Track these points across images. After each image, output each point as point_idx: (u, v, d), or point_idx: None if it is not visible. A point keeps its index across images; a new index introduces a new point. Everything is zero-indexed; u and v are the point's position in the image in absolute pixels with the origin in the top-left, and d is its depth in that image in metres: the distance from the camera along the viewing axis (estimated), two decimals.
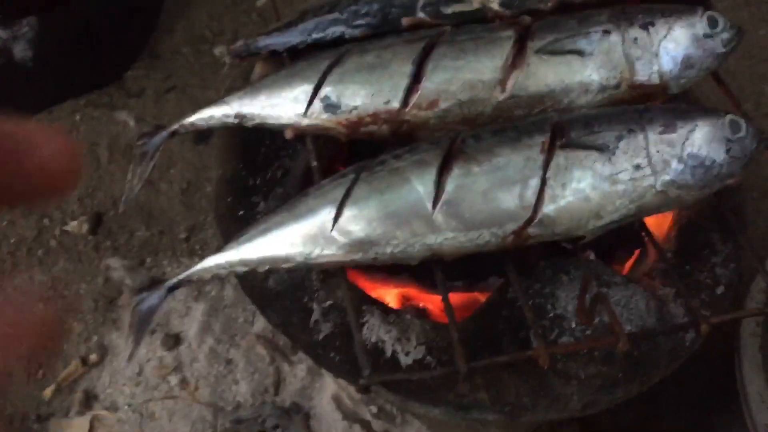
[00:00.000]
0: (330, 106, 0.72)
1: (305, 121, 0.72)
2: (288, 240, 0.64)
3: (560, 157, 0.62)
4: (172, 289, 0.67)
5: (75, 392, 1.20)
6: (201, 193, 1.43)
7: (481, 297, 0.86)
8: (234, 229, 0.85)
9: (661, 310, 0.75)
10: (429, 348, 0.75)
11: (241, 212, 0.85)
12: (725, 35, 0.75)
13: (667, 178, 0.64)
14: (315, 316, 0.78)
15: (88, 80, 1.57)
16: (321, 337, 0.77)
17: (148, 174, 0.76)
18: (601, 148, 0.63)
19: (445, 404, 0.71)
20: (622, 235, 0.88)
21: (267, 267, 0.66)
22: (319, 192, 0.66)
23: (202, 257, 0.70)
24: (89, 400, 1.19)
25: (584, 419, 1.17)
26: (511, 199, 0.62)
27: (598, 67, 0.72)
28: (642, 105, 0.69)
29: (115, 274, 1.30)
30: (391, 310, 0.79)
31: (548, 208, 0.62)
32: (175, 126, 0.75)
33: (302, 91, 0.72)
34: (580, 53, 0.72)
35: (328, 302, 0.78)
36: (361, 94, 0.71)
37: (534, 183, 0.62)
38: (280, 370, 1.19)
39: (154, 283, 0.67)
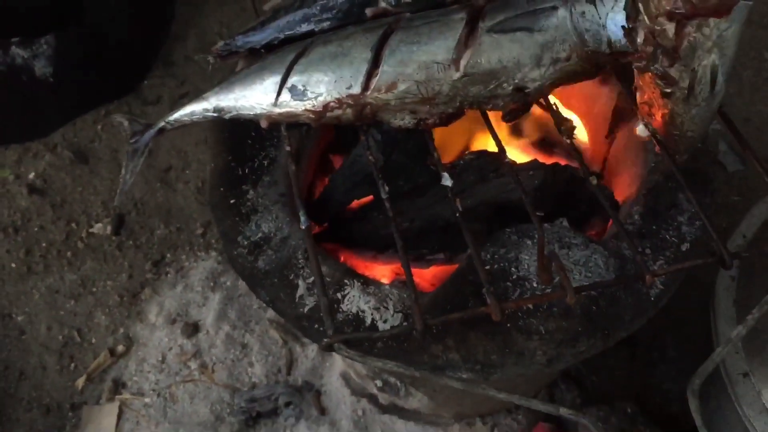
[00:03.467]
0: (297, 95, 0.77)
1: (276, 111, 0.78)
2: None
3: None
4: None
5: (104, 381, 1.29)
6: None
7: None
8: (227, 216, 0.92)
9: (621, 268, 0.79)
10: (405, 315, 0.80)
11: (233, 200, 0.92)
12: None
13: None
14: (300, 291, 0.84)
15: (107, 92, 1.66)
16: (306, 310, 0.82)
17: (138, 168, 0.82)
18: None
19: (419, 365, 0.76)
20: (595, 203, 0.92)
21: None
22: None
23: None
24: (118, 387, 1.27)
25: (583, 382, 1.21)
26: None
27: (547, 41, 0.76)
28: None
29: None
30: (372, 281, 0.84)
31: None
32: (161, 123, 0.82)
33: (272, 82, 0.78)
34: (529, 30, 0.76)
35: (312, 278, 0.84)
36: (324, 82, 0.76)
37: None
38: (292, 352, 1.26)
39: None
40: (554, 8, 0.77)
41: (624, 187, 0.97)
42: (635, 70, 0.73)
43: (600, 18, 0.76)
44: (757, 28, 1.68)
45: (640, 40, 0.68)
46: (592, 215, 0.95)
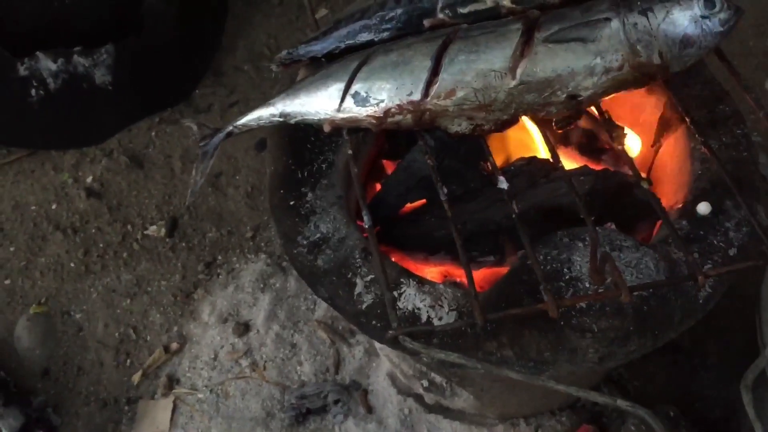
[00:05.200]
0: (360, 101, 0.81)
1: (339, 116, 0.82)
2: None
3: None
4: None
5: (159, 377, 1.34)
6: (264, 195, 1.56)
7: None
8: (287, 217, 0.96)
9: (671, 270, 0.81)
10: (460, 313, 0.83)
11: (292, 202, 0.96)
12: (723, 15, 0.80)
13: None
14: (358, 289, 0.87)
15: (161, 100, 1.73)
16: (364, 307, 0.86)
17: (208, 170, 0.87)
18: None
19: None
20: (643, 209, 0.94)
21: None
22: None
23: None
24: (172, 383, 1.32)
25: (625, 386, 1.23)
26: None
27: (600, 51, 0.79)
28: None
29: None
30: (426, 281, 0.88)
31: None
32: (230, 127, 0.87)
33: (336, 89, 0.82)
34: (583, 40, 0.79)
35: (370, 276, 0.88)
36: (386, 89, 0.81)
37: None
38: (340, 352, 1.30)
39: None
40: (608, 19, 0.80)
41: (670, 195, 0.99)
42: None
43: (652, 29, 0.80)
44: None
45: None
46: (638, 221, 0.97)
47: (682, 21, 0.80)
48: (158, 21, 1.65)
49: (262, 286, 1.41)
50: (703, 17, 0.80)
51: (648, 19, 0.80)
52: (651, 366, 1.27)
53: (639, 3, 0.81)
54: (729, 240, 0.86)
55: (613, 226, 0.94)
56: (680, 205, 0.92)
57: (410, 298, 0.85)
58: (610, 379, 1.25)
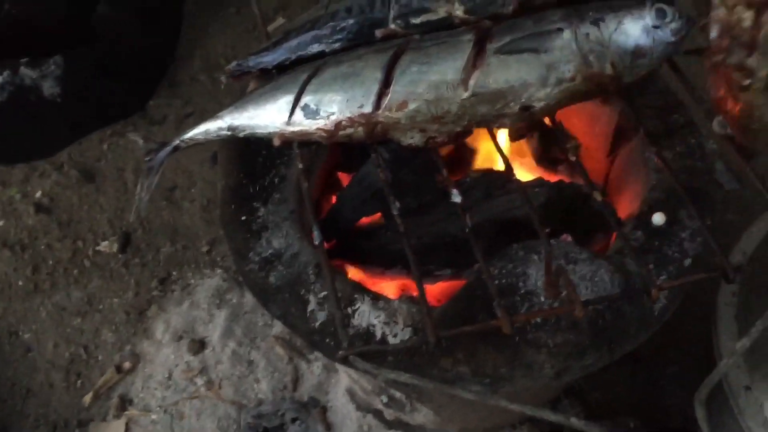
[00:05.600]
0: (310, 114, 0.79)
1: (289, 129, 0.80)
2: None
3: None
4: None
5: (111, 398, 1.30)
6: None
7: None
8: (239, 233, 0.94)
9: (626, 282, 0.80)
10: (415, 329, 0.81)
11: (244, 217, 0.93)
12: (674, 25, 0.80)
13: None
14: (311, 306, 0.85)
15: (114, 112, 1.69)
16: (317, 324, 0.84)
17: (154, 186, 0.84)
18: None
19: (430, 378, 0.77)
20: (599, 220, 0.94)
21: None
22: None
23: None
24: (124, 404, 1.28)
25: (586, 398, 1.22)
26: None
27: (553, 62, 0.78)
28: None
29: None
30: (381, 297, 0.86)
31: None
32: (176, 141, 0.84)
33: (285, 101, 0.80)
34: (535, 51, 0.79)
35: (323, 293, 0.86)
36: (336, 101, 0.79)
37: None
38: (298, 368, 1.27)
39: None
40: (560, 30, 0.79)
41: (626, 205, 0.99)
42: (706, 67, 0.73)
43: (604, 39, 0.79)
44: None
45: (714, 34, 0.68)
46: (595, 232, 0.97)
47: (634, 31, 0.80)
48: (110, 31, 1.62)
49: (218, 301, 1.38)
50: (655, 27, 0.80)
51: (600, 29, 0.79)
52: (611, 377, 1.27)
53: (591, 13, 0.80)
54: (684, 250, 0.86)
55: (570, 238, 0.94)
56: (635, 216, 0.92)
57: (364, 315, 0.83)
58: (570, 391, 1.24)
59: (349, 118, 0.79)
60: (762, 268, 0.98)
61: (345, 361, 0.66)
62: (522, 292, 0.79)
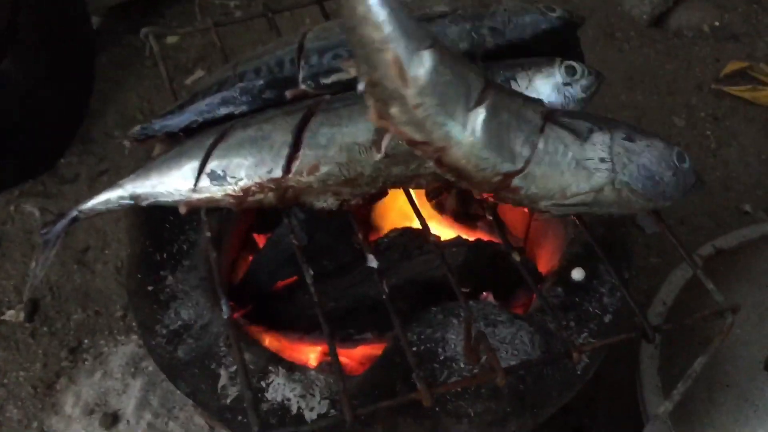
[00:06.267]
0: (217, 180, 0.76)
1: (195, 196, 0.76)
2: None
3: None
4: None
5: None
6: None
7: None
8: (145, 304, 0.89)
9: (547, 343, 0.79)
10: (333, 402, 0.78)
11: (150, 287, 0.89)
12: (584, 81, 0.81)
13: (623, 178, 0.68)
14: (222, 381, 0.81)
15: (21, 171, 1.60)
16: (228, 401, 0.79)
17: (50, 261, 0.79)
18: (576, 133, 0.68)
19: None
20: (520, 276, 0.93)
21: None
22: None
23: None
24: None
25: None
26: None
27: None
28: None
29: None
30: (297, 367, 0.82)
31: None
32: (74, 212, 0.79)
33: (190, 167, 0.76)
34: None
35: (234, 367, 0.81)
36: (244, 166, 0.75)
37: None
38: None
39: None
40: None
41: (547, 258, 0.98)
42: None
43: None
44: (664, 96, 1.77)
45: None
46: (518, 288, 0.96)
47: (545, 89, 0.80)
48: (16, 86, 1.54)
49: (132, 370, 1.30)
50: (566, 84, 0.80)
51: (511, 87, 0.79)
52: (543, 429, 1.25)
53: (501, 71, 0.80)
54: (603, 306, 0.86)
55: (491, 296, 0.92)
56: (555, 271, 0.91)
57: (279, 388, 0.79)
58: None
59: (258, 183, 0.75)
60: (682, 319, 0.99)
61: None
62: (441, 358, 0.77)
